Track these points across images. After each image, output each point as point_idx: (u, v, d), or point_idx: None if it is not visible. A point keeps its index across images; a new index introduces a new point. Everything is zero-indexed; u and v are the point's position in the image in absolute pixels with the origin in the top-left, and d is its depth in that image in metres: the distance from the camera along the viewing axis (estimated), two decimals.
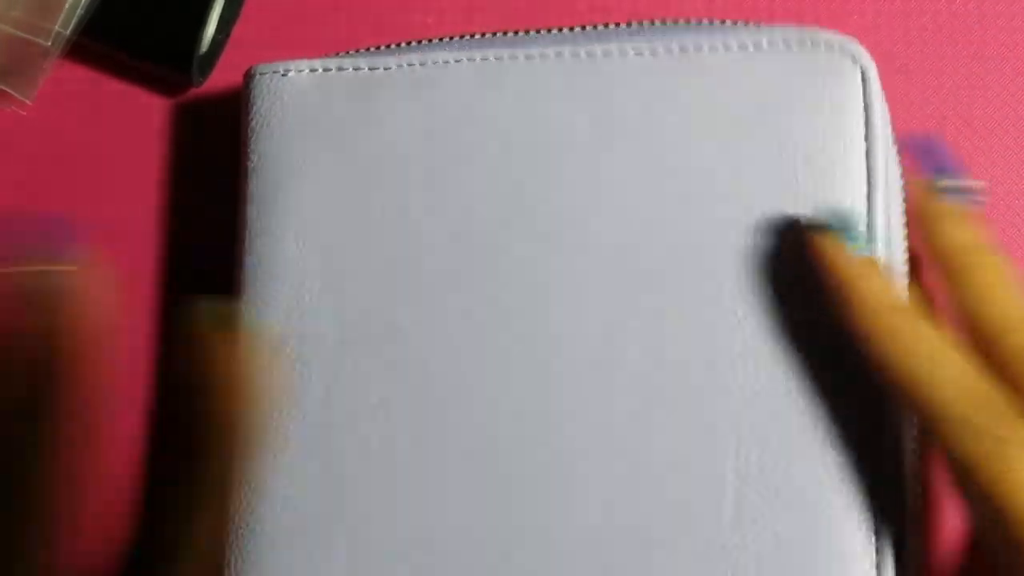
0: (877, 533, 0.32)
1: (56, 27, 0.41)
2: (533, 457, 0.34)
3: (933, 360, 0.30)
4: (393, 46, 0.38)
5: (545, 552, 0.34)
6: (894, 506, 0.32)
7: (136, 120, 0.43)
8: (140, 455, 0.41)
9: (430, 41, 0.38)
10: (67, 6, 0.41)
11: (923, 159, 0.33)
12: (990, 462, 0.29)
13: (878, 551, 0.32)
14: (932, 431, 0.30)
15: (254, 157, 0.38)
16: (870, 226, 0.33)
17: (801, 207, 0.34)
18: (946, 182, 0.33)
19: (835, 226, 0.32)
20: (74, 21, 0.41)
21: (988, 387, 0.30)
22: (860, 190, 0.33)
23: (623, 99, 0.35)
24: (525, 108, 0.36)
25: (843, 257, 0.32)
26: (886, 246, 0.33)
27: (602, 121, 0.35)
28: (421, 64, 0.37)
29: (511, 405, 0.35)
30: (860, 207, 0.33)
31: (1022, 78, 0.40)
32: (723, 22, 0.36)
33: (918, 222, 0.33)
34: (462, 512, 0.34)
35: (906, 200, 0.35)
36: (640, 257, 0.34)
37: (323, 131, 0.37)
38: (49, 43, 0.41)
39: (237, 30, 0.43)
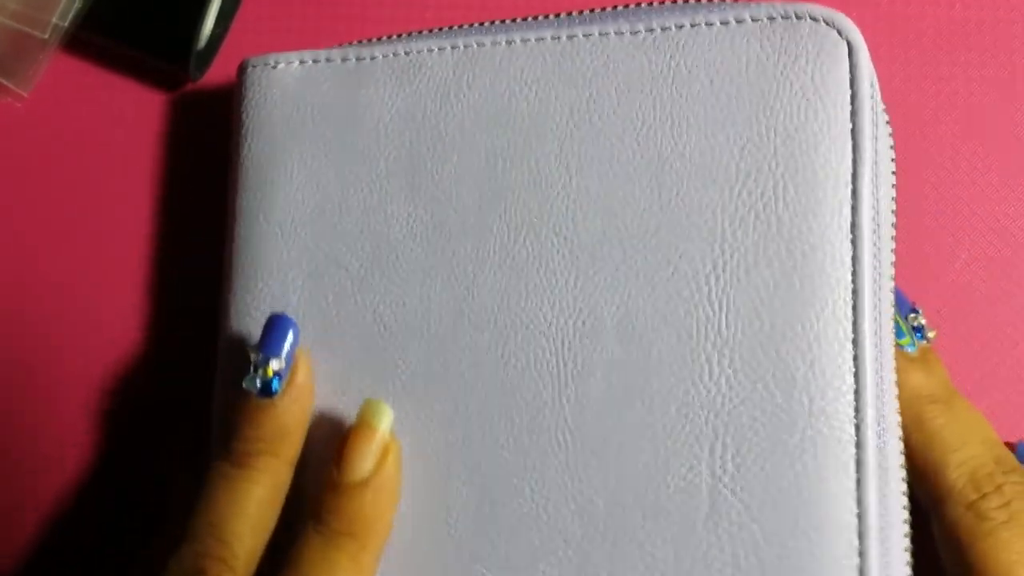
0: (860, 536, 0.31)
1: (54, 19, 0.41)
2: (508, 448, 0.33)
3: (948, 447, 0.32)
4: (383, 38, 0.39)
5: (519, 549, 0.33)
6: (875, 507, 0.31)
7: (134, 113, 0.43)
8: (138, 449, 0.41)
9: (420, 32, 0.38)
10: None
11: None
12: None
13: (860, 554, 0.31)
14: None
15: (244, 148, 0.38)
16: (855, 206, 0.32)
17: (782, 187, 0.32)
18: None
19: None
20: (72, 14, 0.41)
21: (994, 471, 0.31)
22: (845, 167, 0.32)
23: (605, 81, 0.35)
24: (508, 93, 0.35)
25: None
26: (873, 222, 0.32)
27: (584, 104, 0.35)
28: (405, 53, 0.37)
29: (487, 397, 0.34)
30: (845, 184, 0.32)
31: (1018, 77, 0.40)
32: (709, 0, 0.36)
33: None
34: (437, 505, 0.34)
35: (895, 174, 0.34)
36: (616, 243, 0.34)
37: (311, 122, 0.37)
38: (46, 35, 0.41)
39: (239, 23, 0.43)
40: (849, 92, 0.32)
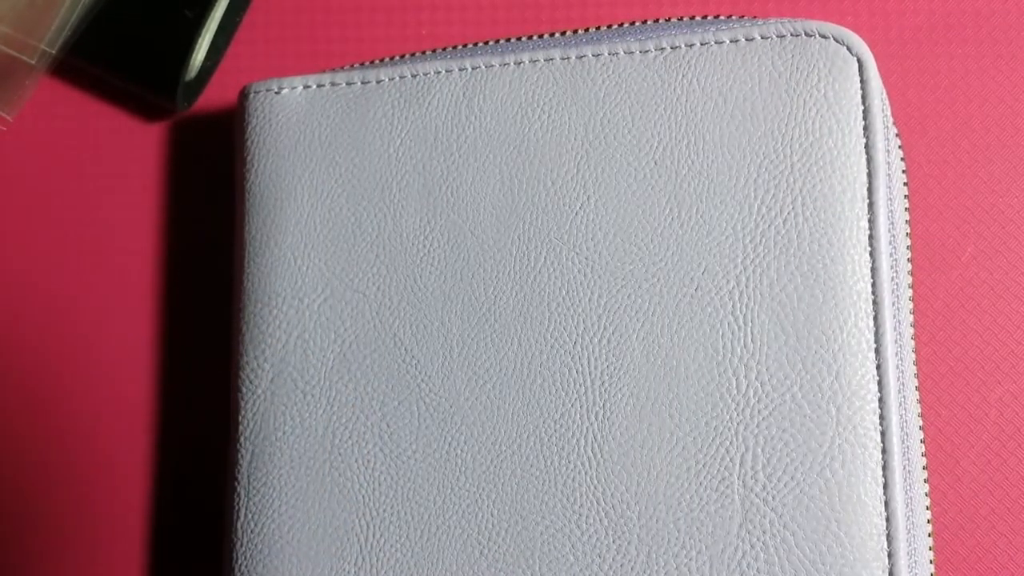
0: (889, 538, 0.32)
1: (42, 45, 0.40)
2: (537, 467, 0.34)
3: None
4: (386, 60, 0.38)
5: (551, 561, 0.34)
6: (902, 510, 0.32)
7: (120, 140, 0.42)
8: (142, 456, 0.41)
9: (423, 53, 0.38)
10: (54, 25, 0.40)
11: None
12: None
13: (890, 555, 0.32)
14: None
15: (251, 175, 0.37)
16: (872, 219, 0.33)
17: (800, 203, 0.33)
18: None
19: None
20: (60, 40, 0.41)
21: None
22: (861, 182, 0.33)
23: (618, 101, 0.35)
24: (518, 115, 0.36)
25: None
26: (889, 234, 0.33)
27: (599, 123, 0.35)
28: (412, 76, 0.37)
29: (513, 415, 0.34)
30: (862, 199, 0.33)
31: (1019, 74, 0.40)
32: (716, 18, 0.36)
33: None
34: (469, 526, 0.34)
35: (907, 185, 0.35)
36: (639, 261, 0.34)
37: (319, 147, 0.37)
38: (34, 61, 0.41)
39: (229, 49, 0.42)
40: (861, 108, 0.33)
